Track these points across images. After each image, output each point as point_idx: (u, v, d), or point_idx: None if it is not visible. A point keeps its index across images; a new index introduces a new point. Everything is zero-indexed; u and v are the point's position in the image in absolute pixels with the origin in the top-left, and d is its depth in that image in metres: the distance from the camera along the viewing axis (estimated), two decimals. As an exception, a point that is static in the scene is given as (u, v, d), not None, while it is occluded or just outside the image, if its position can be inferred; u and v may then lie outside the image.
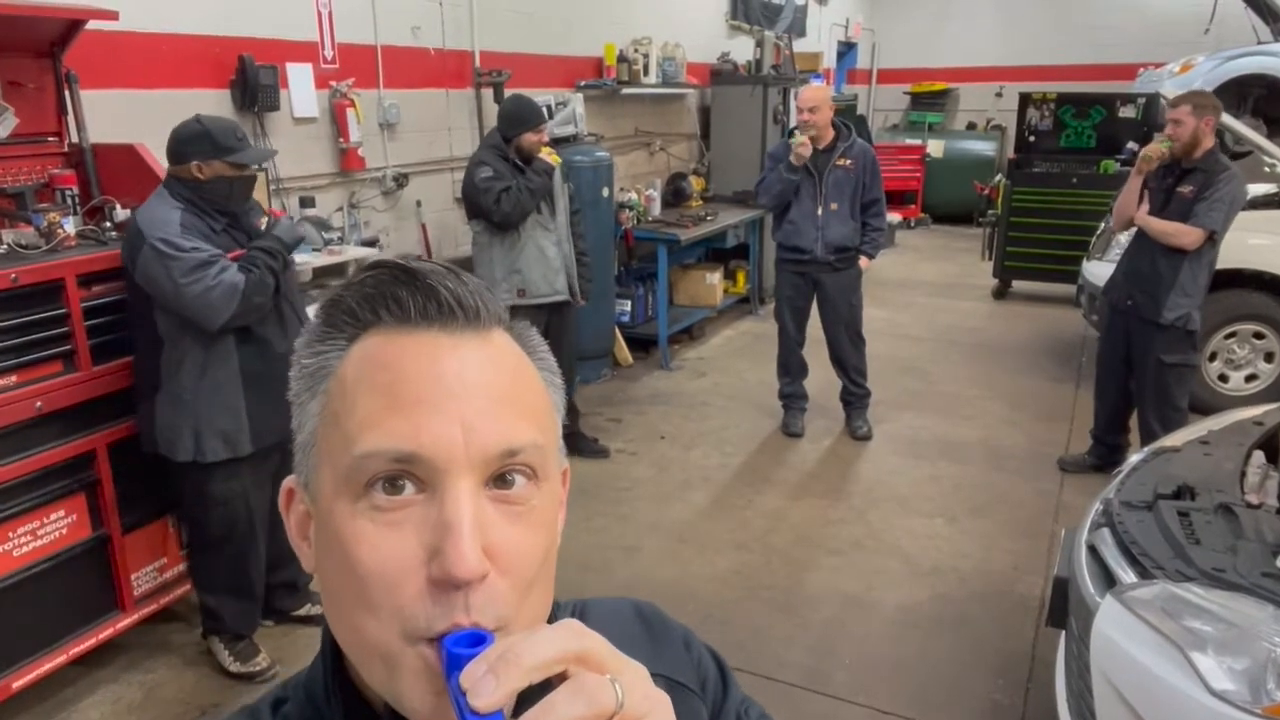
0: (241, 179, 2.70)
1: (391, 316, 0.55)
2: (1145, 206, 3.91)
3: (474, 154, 4.21)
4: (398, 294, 0.55)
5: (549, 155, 4.08)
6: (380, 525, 0.51)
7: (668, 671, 0.72)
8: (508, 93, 5.07)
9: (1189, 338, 3.88)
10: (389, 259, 0.57)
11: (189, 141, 2.61)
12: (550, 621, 0.65)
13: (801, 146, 4.41)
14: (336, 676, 0.59)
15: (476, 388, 0.53)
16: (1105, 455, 4.31)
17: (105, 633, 2.81)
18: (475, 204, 4.03)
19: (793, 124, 5.40)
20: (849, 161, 4.56)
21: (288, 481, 0.59)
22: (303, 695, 0.62)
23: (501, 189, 3.94)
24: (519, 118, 4.07)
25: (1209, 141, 3.81)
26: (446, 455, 0.51)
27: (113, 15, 2.86)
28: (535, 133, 4.05)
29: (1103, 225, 5.67)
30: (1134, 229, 4.03)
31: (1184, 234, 3.76)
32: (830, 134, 4.53)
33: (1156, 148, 3.89)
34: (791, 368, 4.95)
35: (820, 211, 4.56)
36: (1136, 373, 4.04)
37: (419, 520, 0.51)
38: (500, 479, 0.53)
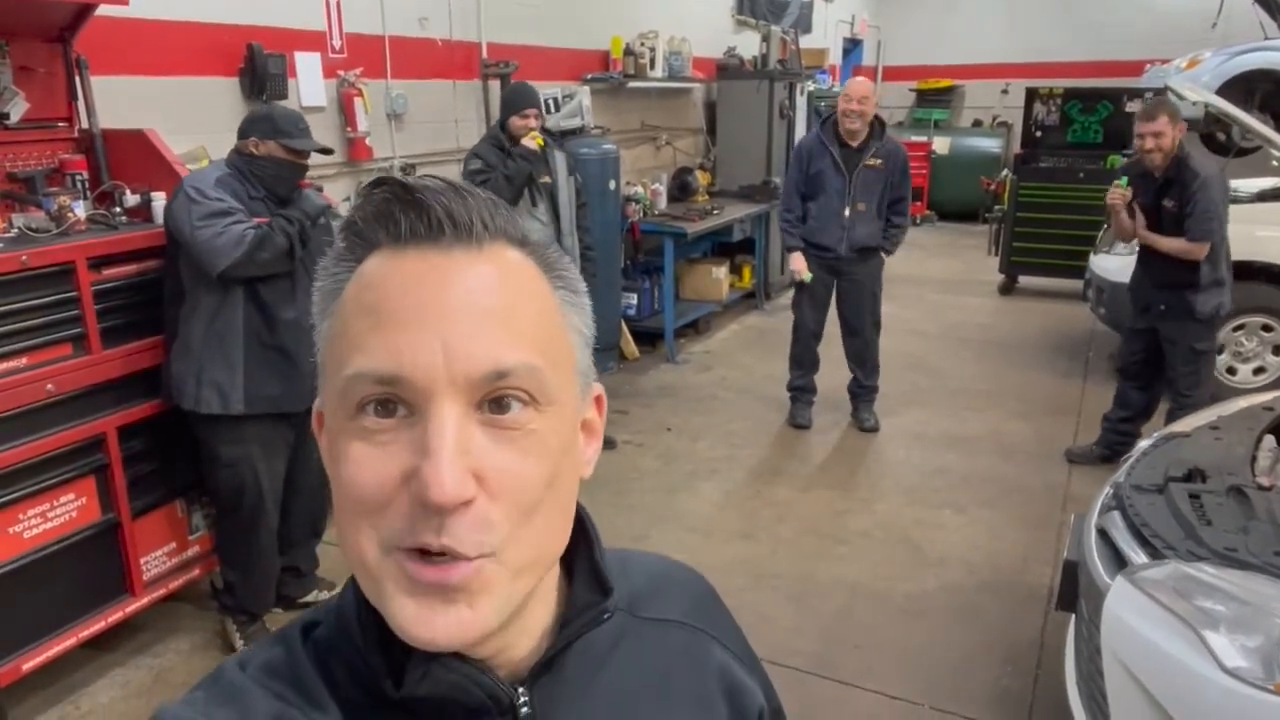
0: (290, 164, 2.81)
1: (388, 236, 0.54)
2: (1142, 222, 3.92)
3: (472, 147, 4.22)
4: (393, 212, 0.54)
5: (531, 138, 4.08)
6: (370, 445, 0.52)
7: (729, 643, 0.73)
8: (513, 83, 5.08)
9: (1216, 325, 4.00)
10: (391, 176, 0.56)
11: (254, 120, 2.80)
12: (573, 549, 0.64)
13: (796, 262, 4.66)
14: (369, 612, 0.58)
15: (463, 306, 0.52)
16: (1116, 444, 4.31)
17: (115, 616, 2.81)
18: None
19: (823, 116, 5.39)
20: (879, 161, 4.53)
21: (316, 404, 0.59)
22: (334, 620, 0.61)
23: (481, 180, 3.96)
24: (507, 101, 4.16)
25: (1176, 144, 3.79)
26: (427, 376, 0.50)
27: (123, 0, 2.86)
28: (521, 117, 4.04)
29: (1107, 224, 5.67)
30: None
31: (1191, 251, 3.82)
32: (866, 132, 4.51)
33: (1117, 193, 3.94)
34: (805, 361, 4.93)
35: (847, 212, 4.53)
36: (1169, 366, 4.08)
37: (405, 442, 0.51)
38: (496, 403, 0.52)
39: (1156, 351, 4.13)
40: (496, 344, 0.52)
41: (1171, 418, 4.05)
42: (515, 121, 4.05)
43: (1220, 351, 5.09)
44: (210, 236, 2.60)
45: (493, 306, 0.53)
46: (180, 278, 2.72)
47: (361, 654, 0.58)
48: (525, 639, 0.60)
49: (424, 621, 0.51)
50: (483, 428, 0.52)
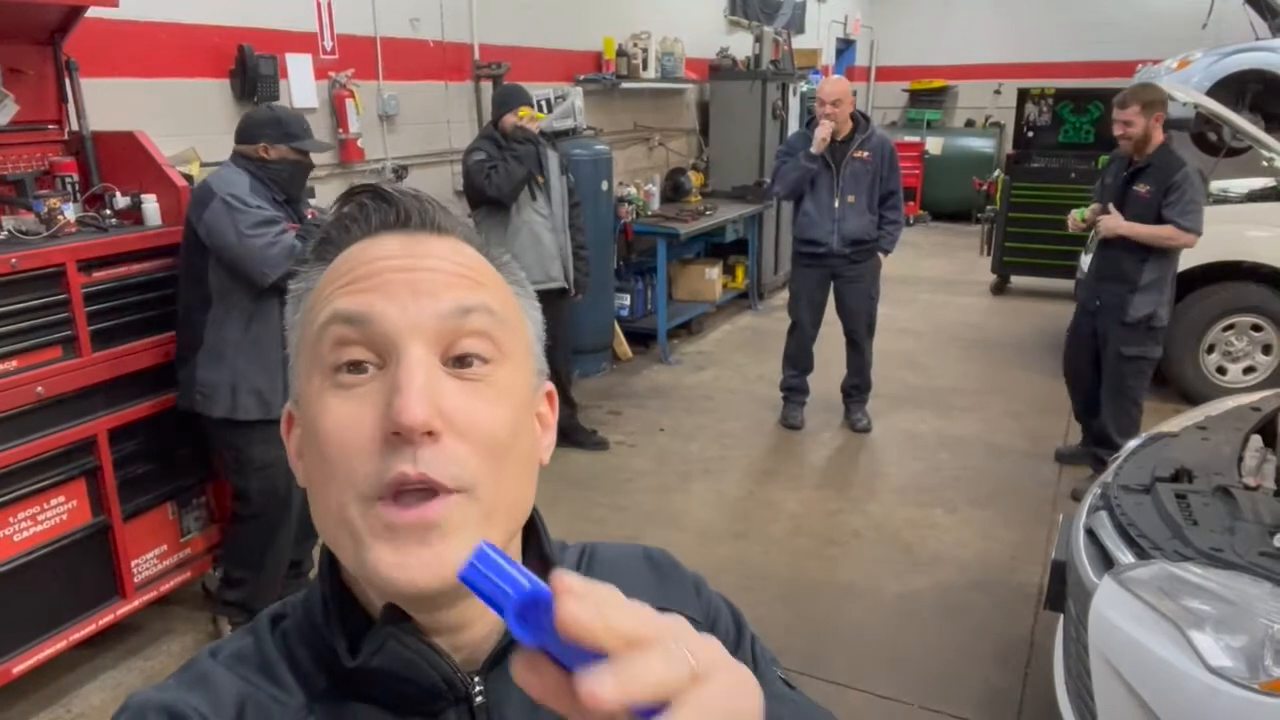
0: (300, 165, 2.86)
1: (360, 230, 0.60)
2: (1117, 215, 3.85)
3: (469, 144, 4.27)
4: (366, 213, 0.60)
5: (527, 120, 4.10)
6: (343, 398, 0.56)
7: (674, 607, 0.72)
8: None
9: (1151, 333, 3.87)
10: (361, 185, 0.62)
11: (261, 125, 2.80)
12: (532, 545, 0.66)
13: (823, 129, 4.38)
14: (334, 592, 0.61)
15: (427, 263, 0.58)
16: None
17: (106, 619, 2.81)
18: (471, 185, 4.09)
19: (807, 118, 5.41)
20: (866, 153, 4.53)
21: (288, 406, 0.62)
22: (301, 611, 0.64)
23: (490, 166, 4.03)
24: (498, 100, 4.25)
25: (1159, 136, 3.78)
26: (395, 317, 0.55)
27: (113, 2, 2.86)
28: (512, 113, 4.11)
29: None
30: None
31: (1178, 239, 3.75)
32: (849, 125, 4.52)
33: (1077, 224, 4.05)
34: (800, 362, 4.94)
35: (837, 204, 4.53)
36: (1103, 368, 4.04)
37: (377, 389, 0.55)
38: (459, 360, 0.57)
39: (1096, 352, 4.08)
40: (459, 289, 0.58)
41: (1094, 428, 4.07)
42: (508, 119, 4.10)
43: (1210, 351, 5.12)
44: (263, 246, 2.63)
45: (454, 265, 0.59)
46: (207, 284, 2.73)
47: (323, 635, 0.60)
48: (485, 618, 0.60)
49: (400, 565, 0.53)
50: (448, 378, 0.56)
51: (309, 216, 2.93)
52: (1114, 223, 3.82)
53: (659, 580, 0.76)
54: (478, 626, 0.61)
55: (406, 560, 0.53)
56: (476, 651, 0.61)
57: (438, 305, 0.56)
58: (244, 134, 2.83)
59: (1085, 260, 5.52)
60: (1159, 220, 3.75)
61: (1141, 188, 3.80)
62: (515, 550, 0.65)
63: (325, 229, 0.61)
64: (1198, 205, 3.75)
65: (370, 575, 0.55)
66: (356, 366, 0.56)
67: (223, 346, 2.74)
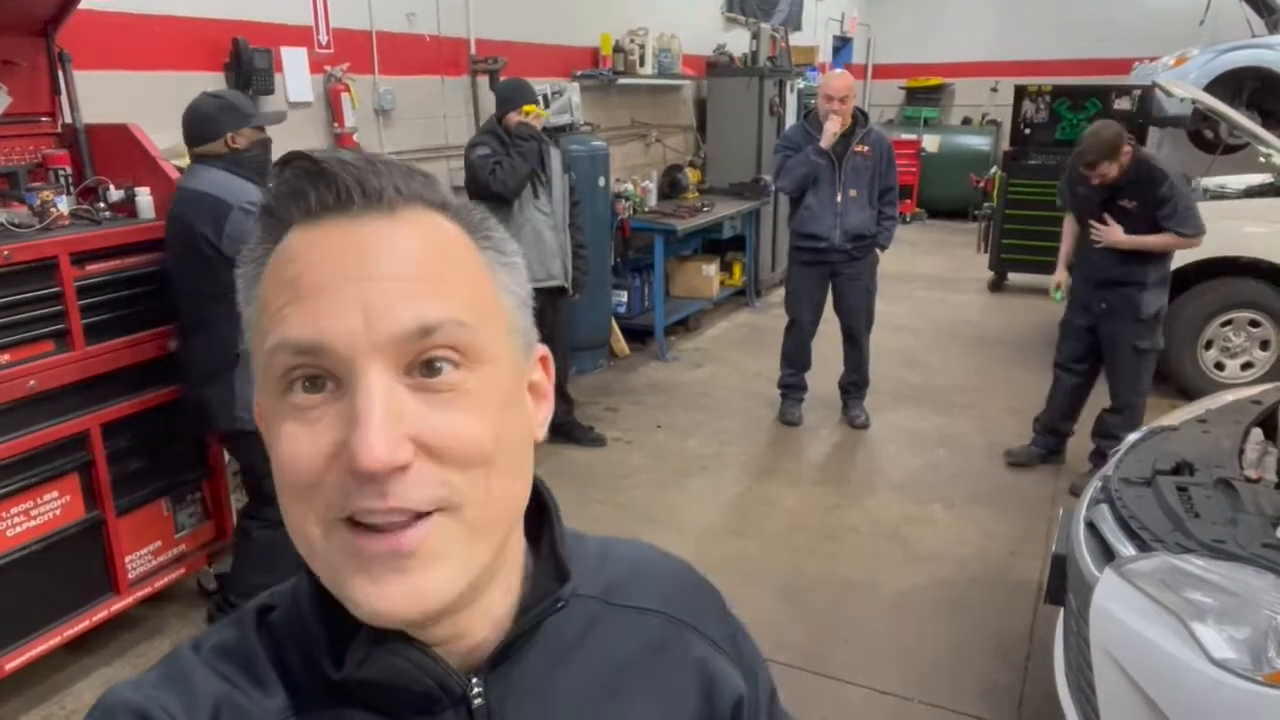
0: (268, 143, 2.79)
1: (300, 212, 0.53)
2: (1116, 228, 3.86)
3: (471, 138, 4.24)
4: (303, 188, 0.53)
5: (527, 111, 4.09)
6: (300, 423, 0.51)
7: (693, 621, 0.71)
8: (503, 79, 5.07)
9: (1160, 324, 3.96)
10: (299, 151, 0.55)
11: (217, 116, 2.68)
12: (544, 539, 0.64)
13: (833, 124, 4.36)
14: (316, 593, 0.57)
15: (379, 268, 0.51)
16: (1054, 445, 4.35)
17: (99, 615, 2.79)
18: (475, 180, 4.05)
19: (804, 113, 5.38)
20: (866, 148, 4.53)
21: (256, 398, 0.57)
22: (289, 602, 0.60)
23: (495, 161, 4.00)
24: (504, 97, 4.20)
25: (1128, 157, 3.77)
26: (348, 342, 0.49)
27: (106, -6, 2.84)
28: (517, 111, 4.09)
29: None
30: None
31: (1184, 243, 3.83)
32: (849, 121, 4.50)
33: (1054, 298, 4.33)
34: (798, 359, 4.92)
35: (840, 198, 4.51)
36: (1108, 364, 4.06)
37: (334, 415, 0.50)
38: (426, 366, 0.51)
39: (1095, 350, 4.10)
40: (419, 301, 0.51)
41: (1103, 421, 4.09)
42: (512, 116, 4.09)
43: (1208, 347, 5.12)
44: None
45: (411, 266, 0.52)
46: (231, 299, 2.64)
47: (312, 633, 0.57)
48: (484, 623, 0.58)
49: (378, 596, 0.50)
50: (414, 393, 0.51)
51: None
52: (1114, 236, 3.84)
53: (690, 595, 0.74)
54: (476, 633, 0.58)
55: (384, 590, 0.50)
56: (476, 652, 0.58)
57: (395, 325, 0.50)
58: (200, 132, 2.69)
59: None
60: (1154, 230, 3.79)
61: (1127, 203, 3.82)
62: (516, 545, 0.61)
63: (266, 201, 0.55)
64: (1192, 208, 3.78)
65: (346, 603, 0.51)
66: (312, 383, 0.51)
67: None
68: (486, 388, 0.53)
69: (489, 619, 0.58)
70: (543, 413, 0.62)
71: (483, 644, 0.58)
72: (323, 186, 0.53)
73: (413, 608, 0.51)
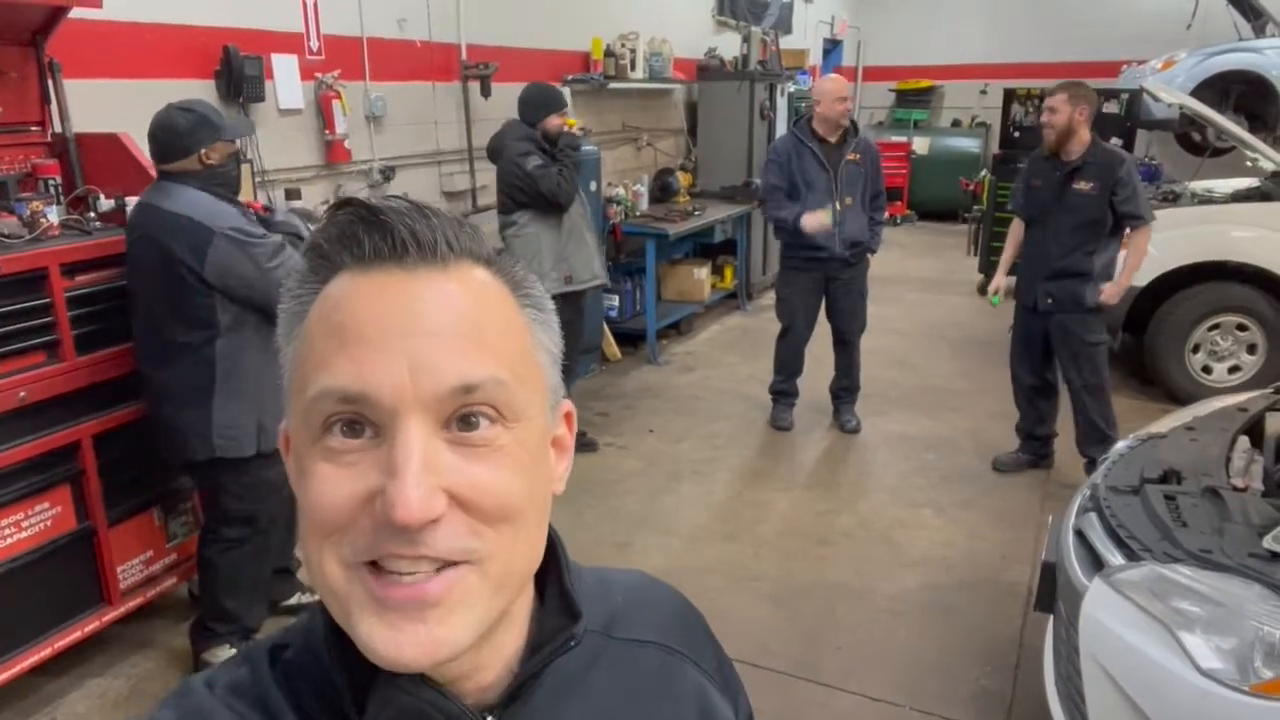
0: (238, 157, 2.73)
1: (352, 257, 0.54)
2: (1115, 285, 3.92)
3: (505, 146, 4.13)
4: (356, 233, 0.54)
5: (569, 124, 4.11)
6: (336, 466, 0.51)
7: (687, 651, 0.73)
8: (495, 86, 5.08)
9: (1104, 316, 4.02)
10: (356, 197, 0.56)
11: (190, 131, 2.56)
12: (551, 575, 0.64)
13: (817, 222, 4.40)
14: (334, 635, 0.57)
15: (428, 324, 0.52)
16: (1040, 450, 4.37)
17: (91, 626, 2.78)
18: (531, 190, 4.02)
19: (796, 117, 5.40)
20: (858, 155, 4.56)
21: (283, 426, 0.58)
22: (302, 642, 0.60)
23: (558, 171, 3.99)
24: (541, 102, 4.15)
25: (1085, 134, 3.83)
26: (393, 395, 0.50)
27: (96, 3, 2.83)
28: (559, 115, 4.10)
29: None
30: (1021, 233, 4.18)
31: (1145, 241, 3.89)
32: (842, 129, 4.54)
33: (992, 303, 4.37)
34: (793, 366, 4.92)
35: (837, 207, 4.52)
36: (1062, 362, 4.09)
37: (371, 462, 0.51)
38: (464, 420, 0.52)
39: (1047, 350, 4.12)
40: (463, 359, 0.52)
41: (1079, 417, 4.12)
42: (554, 121, 4.10)
43: (1195, 351, 5.15)
44: (284, 276, 2.55)
45: (459, 323, 0.52)
46: (214, 322, 2.55)
47: (328, 673, 0.57)
48: (497, 661, 0.59)
49: (392, 642, 0.51)
50: (451, 446, 0.52)
51: (296, 223, 2.85)
52: (1115, 290, 3.92)
53: (682, 623, 0.76)
54: (490, 670, 0.59)
55: (400, 637, 0.51)
56: (490, 689, 0.59)
57: (440, 382, 0.51)
58: (172, 148, 2.56)
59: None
60: (1104, 211, 3.83)
61: (1083, 184, 3.85)
62: (528, 587, 0.62)
63: (318, 240, 0.55)
64: (1144, 197, 3.89)
65: (361, 646, 0.52)
66: (350, 428, 0.51)
67: (240, 381, 2.58)
68: (519, 444, 0.54)
69: (500, 657, 0.59)
70: (563, 466, 0.63)
71: (495, 682, 0.59)
72: (377, 235, 0.53)
73: (428, 657, 0.51)
